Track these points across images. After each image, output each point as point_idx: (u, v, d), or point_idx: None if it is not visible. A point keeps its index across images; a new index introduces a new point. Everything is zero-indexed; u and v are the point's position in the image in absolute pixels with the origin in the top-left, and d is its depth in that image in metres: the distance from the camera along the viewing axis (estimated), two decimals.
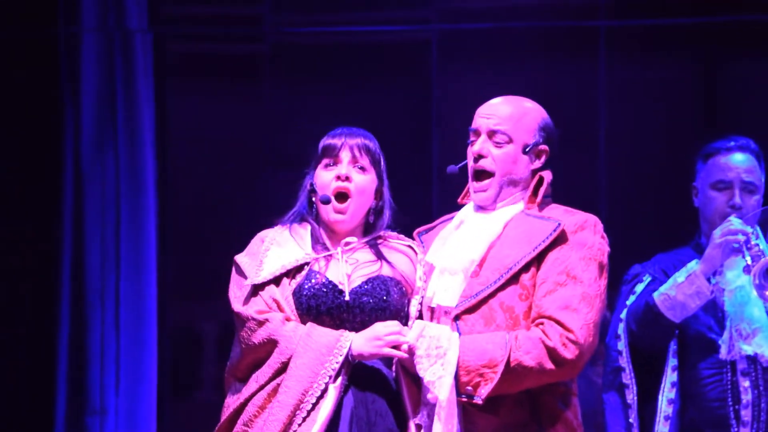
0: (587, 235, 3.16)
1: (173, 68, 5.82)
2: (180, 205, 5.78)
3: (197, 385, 5.79)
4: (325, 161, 3.28)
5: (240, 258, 3.26)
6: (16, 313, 5.64)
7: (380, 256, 3.25)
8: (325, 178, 3.27)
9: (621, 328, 3.81)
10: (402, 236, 3.34)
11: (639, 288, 3.86)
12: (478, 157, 3.22)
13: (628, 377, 3.77)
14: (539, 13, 5.73)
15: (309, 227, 3.28)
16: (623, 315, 3.83)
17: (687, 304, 3.68)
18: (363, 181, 3.25)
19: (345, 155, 3.25)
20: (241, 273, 3.25)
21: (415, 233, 3.36)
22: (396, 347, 3.12)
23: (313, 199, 3.27)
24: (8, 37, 5.59)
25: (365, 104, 5.64)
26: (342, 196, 3.24)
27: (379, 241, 3.29)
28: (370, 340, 3.13)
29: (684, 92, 5.74)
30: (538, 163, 3.26)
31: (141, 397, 5.52)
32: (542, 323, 3.08)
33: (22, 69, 5.60)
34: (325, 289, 3.19)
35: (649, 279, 3.86)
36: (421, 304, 3.25)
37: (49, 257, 5.59)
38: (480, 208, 3.25)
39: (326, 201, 3.21)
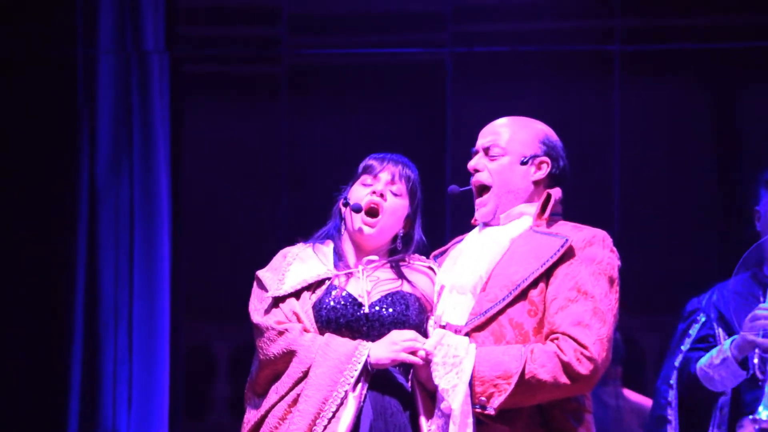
0: (596, 250, 3.21)
1: (189, 89, 5.94)
2: (194, 227, 5.89)
3: (209, 407, 5.88)
4: (363, 178, 3.38)
5: (262, 273, 3.34)
6: (30, 332, 5.76)
7: (401, 275, 3.33)
8: (360, 192, 3.36)
9: (674, 378, 3.89)
10: (423, 258, 3.42)
11: (694, 331, 3.91)
12: (474, 172, 3.30)
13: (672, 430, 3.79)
14: (553, 37, 5.84)
15: (332, 245, 3.36)
16: (677, 363, 3.90)
17: (724, 383, 3.79)
18: (395, 204, 3.34)
19: (384, 176, 3.34)
20: (262, 287, 3.33)
21: (431, 256, 3.44)
22: (413, 354, 3.19)
23: (343, 210, 3.36)
24: (26, 57, 5.73)
25: (379, 125, 5.78)
26: (373, 211, 3.33)
27: (401, 262, 3.39)
28: (387, 345, 3.19)
29: (699, 116, 5.87)
30: (539, 174, 3.31)
31: (153, 417, 5.60)
32: (557, 338, 3.13)
33: (40, 90, 5.73)
34: (344, 302, 3.25)
35: (703, 319, 3.88)
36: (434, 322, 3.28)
37: (64, 278, 5.70)
38: (486, 225, 3.32)
39: (358, 209, 3.29)
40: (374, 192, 3.30)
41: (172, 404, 5.65)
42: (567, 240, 3.16)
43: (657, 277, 5.58)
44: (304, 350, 3.19)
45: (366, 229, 3.32)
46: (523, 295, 3.18)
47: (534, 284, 3.17)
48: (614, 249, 3.22)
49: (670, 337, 3.97)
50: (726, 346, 3.75)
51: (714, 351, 3.75)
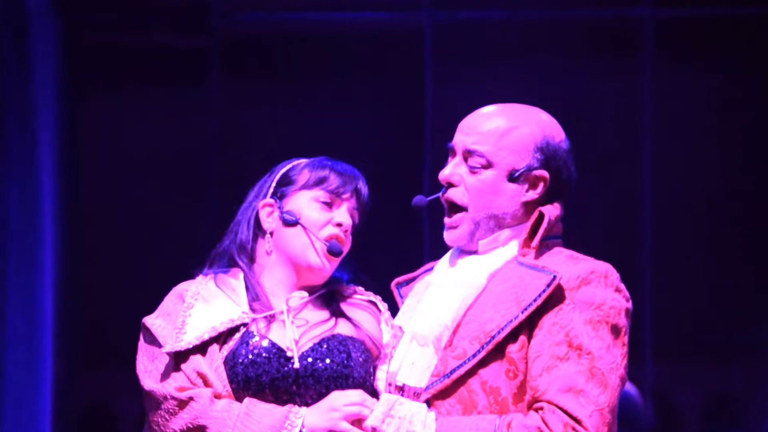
0: (595, 289, 3.01)
1: (87, 66, 5.73)
2: (88, 245, 5.71)
3: None
4: (317, 194, 3.31)
5: (150, 321, 3.22)
6: None
7: (337, 313, 3.28)
8: (317, 216, 3.28)
9: None
10: (361, 289, 3.37)
11: None
12: (448, 185, 3.15)
13: None
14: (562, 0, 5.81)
15: (241, 276, 3.27)
16: None
17: None
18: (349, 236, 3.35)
19: (349, 201, 3.31)
20: (152, 340, 3.21)
21: (392, 285, 3.32)
22: (357, 423, 3.07)
23: (269, 226, 3.29)
24: None
25: (339, 113, 5.68)
26: (337, 251, 3.28)
27: (336, 296, 3.34)
28: (326, 412, 3.09)
29: (756, 104, 5.74)
30: (533, 194, 3.13)
31: None
32: (542, 408, 2.95)
33: None
34: (267, 355, 3.16)
35: None
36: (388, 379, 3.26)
37: None
38: (464, 252, 3.19)
39: (338, 252, 3.26)
40: (340, 225, 3.26)
41: None
42: (555, 276, 3.00)
43: (698, 314, 5.56)
44: (218, 424, 3.08)
45: (327, 267, 3.28)
46: (498, 350, 3.02)
47: (513, 337, 3.02)
48: (621, 287, 3.04)
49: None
50: None
51: None
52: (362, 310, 3.33)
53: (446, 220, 3.16)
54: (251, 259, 3.30)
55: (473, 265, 3.14)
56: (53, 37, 5.53)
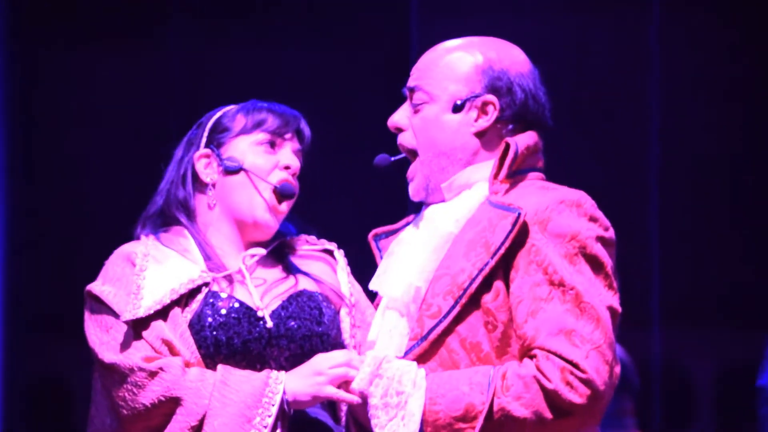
0: (567, 220, 2.97)
1: (29, 9, 5.70)
2: (36, 205, 5.69)
3: None
4: (258, 137, 3.32)
5: (98, 288, 3.20)
6: None
7: (291, 269, 3.32)
8: (263, 162, 3.30)
9: None
10: (312, 238, 3.40)
11: None
12: (396, 131, 3.19)
13: None
14: None
15: (189, 235, 3.28)
16: None
17: None
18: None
19: (291, 141, 3.33)
20: (103, 309, 3.19)
21: (370, 236, 3.28)
22: (345, 386, 3.08)
23: (209, 177, 3.30)
24: None
25: (317, 68, 5.64)
26: (289, 193, 3.30)
27: (285, 250, 3.36)
28: (309, 376, 3.09)
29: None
30: (484, 122, 3.10)
31: None
32: (535, 356, 2.94)
33: None
34: (236, 315, 3.17)
35: None
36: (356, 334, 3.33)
37: None
38: (433, 203, 3.20)
39: (290, 194, 3.29)
40: (288, 167, 3.28)
41: None
42: (519, 213, 2.97)
43: (709, 281, 5.55)
44: (193, 395, 3.08)
45: (275, 218, 3.29)
46: (474, 302, 3.00)
47: (486, 285, 3.00)
48: (597, 215, 3.01)
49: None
50: None
51: None
52: (317, 261, 3.36)
53: (408, 173, 3.20)
54: (192, 217, 3.30)
55: (440, 214, 3.14)
56: None
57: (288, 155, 3.29)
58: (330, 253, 3.39)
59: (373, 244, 3.26)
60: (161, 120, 5.60)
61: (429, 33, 5.57)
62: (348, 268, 3.37)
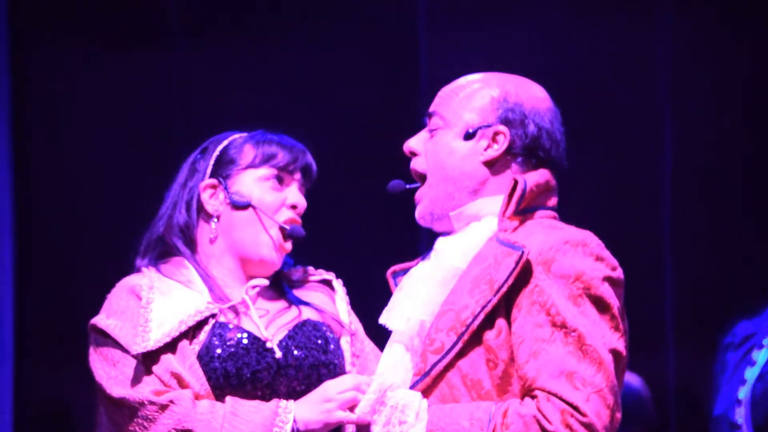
0: (571, 261, 2.98)
1: (33, 18, 5.60)
2: (47, 221, 5.56)
3: None
4: (267, 173, 3.33)
5: (103, 322, 3.19)
6: None
7: (294, 299, 3.34)
8: (271, 200, 3.31)
9: (740, 415, 3.94)
10: (311, 269, 3.42)
11: (761, 357, 3.98)
12: (411, 156, 3.23)
13: None
14: None
15: (191, 266, 3.29)
16: (742, 395, 3.96)
17: None
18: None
19: (297, 177, 3.35)
20: (110, 343, 3.18)
21: (388, 274, 3.31)
22: (353, 410, 3.11)
23: (213, 209, 3.30)
24: None
25: (319, 73, 5.52)
26: (298, 237, 3.33)
27: (283, 281, 3.38)
28: (318, 403, 3.12)
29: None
30: (492, 151, 3.13)
31: None
32: (536, 396, 2.94)
33: None
34: (245, 346, 3.18)
35: None
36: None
37: None
38: (443, 235, 3.21)
39: (299, 235, 3.30)
40: (295, 207, 3.31)
41: None
42: (522, 251, 2.98)
43: (723, 300, 5.37)
44: (204, 427, 3.08)
45: (280, 256, 3.31)
46: (476, 339, 3.00)
47: (489, 322, 2.99)
48: (603, 255, 3.01)
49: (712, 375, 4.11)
50: None
51: None
52: (316, 291, 3.36)
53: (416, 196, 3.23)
54: (193, 247, 3.29)
55: (448, 248, 3.15)
56: None
57: (295, 194, 3.30)
58: (328, 283, 3.39)
59: (391, 281, 3.28)
60: (163, 121, 5.58)
61: (436, 44, 5.58)
62: (347, 298, 3.38)
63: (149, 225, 3.30)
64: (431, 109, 3.20)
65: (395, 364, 3.14)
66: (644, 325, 5.06)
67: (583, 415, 2.89)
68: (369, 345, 3.36)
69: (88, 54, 5.57)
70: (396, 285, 3.28)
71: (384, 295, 3.26)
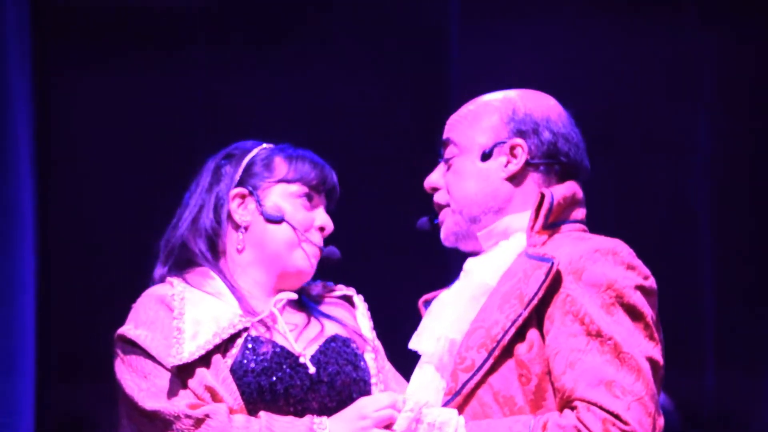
0: (602, 269, 2.98)
1: (59, 29, 5.56)
2: (69, 235, 5.55)
3: None
4: (298, 190, 3.33)
5: (133, 333, 3.18)
6: None
7: (318, 314, 3.34)
8: (303, 218, 3.32)
9: None
10: (331, 284, 3.43)
11: None
12: (432, 191, 3.26)
13: None
14: None
15: (217, 278, 3.27)
16: None
17: None
18: None
19: (324, 199, 3.38)
20: (140, 353, 3.18)
21: (420, 303, 3.34)
22: (388, 429, 3.11)
23: (243, 221, 3.28)
24: None
25: (345, 79, 5.52)
26: (337, 257, 3.36)
27: (304, 296, 3.38)
28: (354, 420, 3.11)
29: None
30: (513, 165, 3.15)
31: None
32: (575, 407, 2.93)
33: None
34: (278, 361, 3.18)
35: None
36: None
37: None
38: (471, 255, 3.22)
39: (335, 256, 3.32)
40: (323, 228, 3.32)
41: None
42: (552, 262, 2.98)
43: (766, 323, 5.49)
44: None
45: (311, 273, 3.33)
46: (507, 355, 3.00)
47: (520, 337, 2.99)
48: (634, 264, 3.01)
49: None
50: None
51: None
52: (337, 307, 3.37)
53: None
54: (217, 256, 3.28)
55: (478, 266, 3.16)
56: None
57: (323, 216, 3.32)
58: (348, 299, 3.41)
59: (422, 310, 3.29)
60: (187, 141, 5.55)
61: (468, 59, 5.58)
62: (369, 313, 3.39)
63: (167, 230, 3.29)
64: (444, 137, 3.21)
65: (425, 385, 3.14)
66: (683, 342, 5.04)
67: (625, 423, 2.87)
68: (388, 363, 3.38)
69: (110, 64, 5.58)
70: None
71: (411, 323, 3.27)
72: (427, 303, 3.34)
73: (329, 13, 5.62)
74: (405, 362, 3.34)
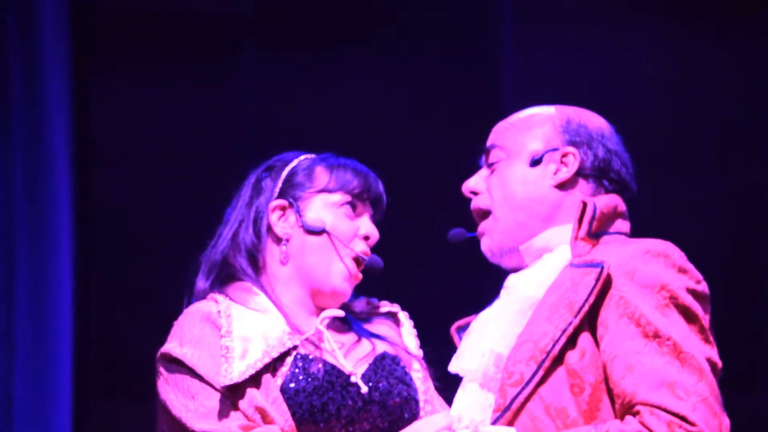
0: (654, 269, 2.96)
1: (100, 34, 5.52)
2: (110, 242, 5.52)
3: None
4: (341, 198, 3.32)
5: (178, 351, 3.17)
6: None
7: (363, 331, 3.32)
8: (346, 228, 3.31)
9: None
10: (374, 300, 3.41)
11: None
12: (472, 195, 3.25)
13: None
14: None
15: (261, 293, 3.25)
16: None
17: None
18: None
19: (369, 207, 3.36)
20: (186, 372, 3.15)
21: (453, 329, 3.33)
22: None
23: (284, 234, 3.26)
24: None
25: (392, 89, 5.48)
26: (380, 267, 3.34)
27: (347, 313, 3.37)
28: None
29: None
30: (564, 173, 3.14)
31: None
32: (638, 412, 2.90)
33: None
34: (329, 380, 3.15)
35: None
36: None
37: None
38: (514, 271, 3.22)
39: (379, 266, 3.30)
40: (367, 237, 3.29)
41: None
42: (602, 267, 2.97)
43: None
44: None
45: (351, 287, 3.30)
46: (557, 365, 2.98)
47: (571, 345, 2.97)
48: (686, 267, 3.00)
49: None
50: None
51: None
52: (382, 324, 3.38)
53: (478, 230, 3.23)
54: (259, 271, 3.26)
55: (522, 280, 3.17)
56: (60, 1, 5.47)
57: (368, 224, 3.31)
58: (393, 315, 3.41)
59: (455, 336, 3.30)
60: (233, 152, 5.55)
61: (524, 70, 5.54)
62: (415, 331, 3.39)
63: (208, 246, 3.29)
64: (489, 143, 3.22)
65: (471, 404, 3.13)
66: (738, 360, 4.95)
67: (692, 424, 2.86)
68: (431, 384, 3.38)
69: (154, 73, 5.58)
70: (460, 339, 3.28)
71: (445, 346, 3.29)
72: (460, 329, 3.33)
73: (384, 21, 5.61)
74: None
